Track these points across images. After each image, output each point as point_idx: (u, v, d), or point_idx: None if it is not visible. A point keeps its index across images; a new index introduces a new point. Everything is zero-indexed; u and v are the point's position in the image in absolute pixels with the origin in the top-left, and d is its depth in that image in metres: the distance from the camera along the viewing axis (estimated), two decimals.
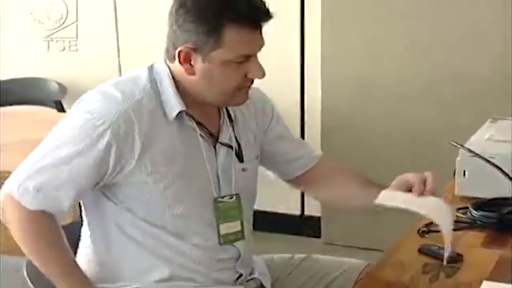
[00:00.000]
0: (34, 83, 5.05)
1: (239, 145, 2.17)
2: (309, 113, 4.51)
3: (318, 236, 4.53)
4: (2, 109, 4.36)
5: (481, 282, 2.00)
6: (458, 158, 2.61)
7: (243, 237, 2.17)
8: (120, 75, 4.78)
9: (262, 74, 2.01)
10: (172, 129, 2.02)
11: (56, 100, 4.69)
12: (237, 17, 1.91)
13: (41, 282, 2.09)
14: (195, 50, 1.94)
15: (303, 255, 2.39)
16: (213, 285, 2.14)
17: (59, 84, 4.90)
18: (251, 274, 2.23)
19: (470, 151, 2.55)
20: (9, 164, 3.15)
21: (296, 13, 4.37)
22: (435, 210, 2.04)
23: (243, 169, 2.18)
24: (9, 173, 2.95)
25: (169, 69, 2.03)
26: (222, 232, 2.12)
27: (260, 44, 2.00)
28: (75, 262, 2.07)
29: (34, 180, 1.93)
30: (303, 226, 4.56)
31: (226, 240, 2.13)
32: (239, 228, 2.16)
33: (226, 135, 2.14)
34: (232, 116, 2.16)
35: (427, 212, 2.05)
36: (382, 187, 2.22)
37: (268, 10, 1.96)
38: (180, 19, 1.95)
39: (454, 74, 4.07)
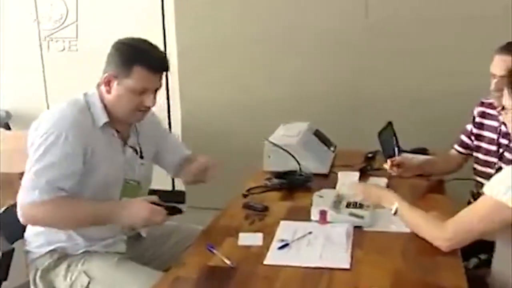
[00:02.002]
0: None
1: (140, 148, 2.17)
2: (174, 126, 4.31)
3: (184, 203, 4.43)
4: None
5: (279, 222, 2.11)
6: (265, 148, 2.68)
7: None
8: None
9: (152, 105, 2.03)
10: (100, 134, 2.01)
11: (4, 123, 4.43)
12: (145, 63, 1.95)
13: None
14: (115, 76, 1.96)
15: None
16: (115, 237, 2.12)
17: (6, 112, 4.49)
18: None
19: (272, 143, 2.65)
20: None
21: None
22: None
23: (142, 164, 2.17)
24: None
25: (99, 93, 2.02)
26: None
27: (157, 85, 2.02)
28: (96, 202, 1.99)
29: (38, 188, 1.88)
30: (173, 196, 4.33)
31: None
32: None
33: (132, 141, 2.14)
34: (138, 129, 2.17)
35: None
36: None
37: (167, 65, 2.02)
38: (111, 57, 1.98)
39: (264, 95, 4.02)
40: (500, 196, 1.66)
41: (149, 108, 2.06)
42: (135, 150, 2.16)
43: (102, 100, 2.03)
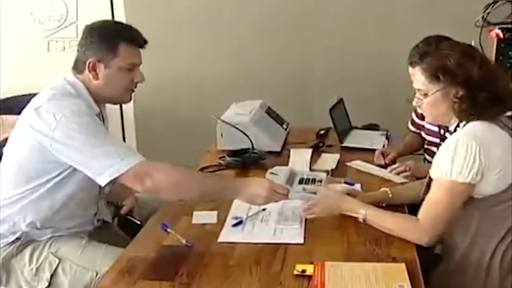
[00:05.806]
0: None
1: None
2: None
3: None
4: None
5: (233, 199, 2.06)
6: (217, 126, 2.68)
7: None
8: None
9: (143, 79, 2.03)
10: None
11: None
12: (128, 38, 1.97)
13: None
14: (99, 61, 1.94)
15: None
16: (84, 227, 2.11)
17: None
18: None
19: (224, 121, 2.65)
20: None
21: None
22: None
23: None
24: None
25: (82, 82, 1.98)
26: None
27: (141, 60, 2.03)
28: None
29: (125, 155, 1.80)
30: None
31: None
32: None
33: (106, 127, 2.10)
34: (104, 116, 2.11)
35: None
36: None
37: (145, 39, 2.01)
38: (88, 43, 1.95)
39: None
40: (447, 176, 1.72)
41: (136, 84, 2.05)
42: None
43: (87, 88, 1.98)
